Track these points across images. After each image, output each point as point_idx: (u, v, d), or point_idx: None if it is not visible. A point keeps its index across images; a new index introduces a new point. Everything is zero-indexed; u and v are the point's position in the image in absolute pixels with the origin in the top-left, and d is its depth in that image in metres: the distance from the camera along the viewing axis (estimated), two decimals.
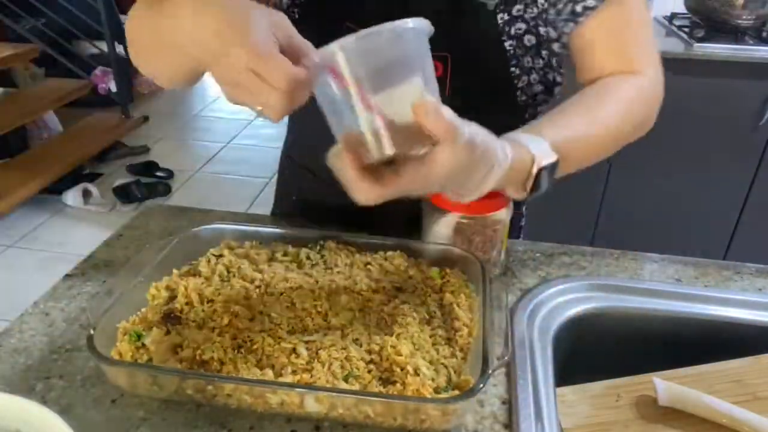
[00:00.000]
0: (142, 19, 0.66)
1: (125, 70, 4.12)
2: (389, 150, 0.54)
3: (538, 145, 0.63)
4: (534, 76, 0.84)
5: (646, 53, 0.79)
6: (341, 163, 0.56)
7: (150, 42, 0.66)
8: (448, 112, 0.53)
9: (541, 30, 0.80)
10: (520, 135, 0.65)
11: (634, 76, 0.77)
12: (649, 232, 2.31)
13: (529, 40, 0.81)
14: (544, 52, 0.82)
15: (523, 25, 0.80)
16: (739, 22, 2.07)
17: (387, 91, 0.52)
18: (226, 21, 0.51)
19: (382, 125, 0.53)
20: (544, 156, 0.63)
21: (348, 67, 0.51)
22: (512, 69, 0.81)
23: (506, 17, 0.78)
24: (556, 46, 0.82)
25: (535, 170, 0.63)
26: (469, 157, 0.55)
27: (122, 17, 4.30)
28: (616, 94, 0.75)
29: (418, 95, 0.53)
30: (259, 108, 0.52)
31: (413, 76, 0.53)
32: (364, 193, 0.55)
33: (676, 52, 1.99)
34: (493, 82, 0.82)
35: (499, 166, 0.58)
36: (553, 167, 0.64)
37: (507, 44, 0.80)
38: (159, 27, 0.60)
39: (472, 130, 0.55)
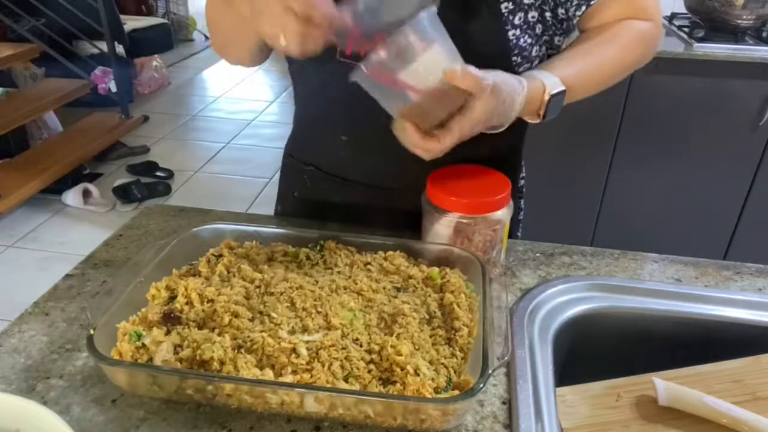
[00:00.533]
0: (218, 15, 0.83)
1: (125, 70, 4.12)
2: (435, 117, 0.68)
3: (549, 78, 0.76)
4: (536, 63, 0.84)
5: (651, 4, 0.87)
6: (404, 133, 0.69)
7: (227, 29, 0.83)
8: (473, 69, 0.65)
9: (547, 15, 0.82)
10: (534, 71, 0.78)
11: (638, 21, 0.85)
12: (649, 232, 2.31)
13: (539, 28, 0.82)
14: (545, 37, 0.84)
15: (535, 14, 0.81)
16: (739, 22, 2.07)
17: (416, 64, 0.65)
18: None
19: (420, 98, 0.66)
20: (554, 86, 0.76)
21: (391, 65, 0.64)
22: (514, 58, 0.82)
23: (511, 6, 0.79)
24: (565, 25, 0.85)
25: (546, 98, 0.75)
26: (498, 98, 0.68)
27: (122, 17, 4.31)
28: (617, 38, 0.84)
29: (443, 63, 0.65)
30: (283, 43, 0.62)
31: (433, 47, 0.65)
32: (429, 151, 0.70)
33: (676, 52, 1.99)
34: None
35: (519, 95, 0.72)
36: (561, 96, 0.77)
37: (510, 34, 0.80)
38: (231, 11, 0.75)
39: (496, 77, 0.68)
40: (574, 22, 0.85)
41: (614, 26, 0.84)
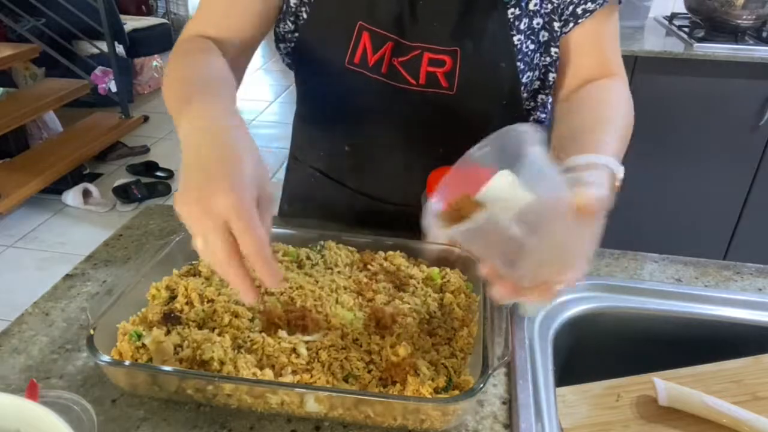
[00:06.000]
0: (172, 85, 0.70)
1: (125, 70, 4.12)
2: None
3: (611, 161, 0.67)
4: (536, 73, 0.84)
5: (619, 59, 0.85)
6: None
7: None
8: (593, 191, 0.56)
9: (555, 26, 0.81)
10: (593, 158, 0.67)
11: (617, 81, 0.83)
12: (649, 232, 2.31)
13: (543, 35, 0.82)
14: (553, 50, 0.83)
15: (540, 20, 0.81)
16: (739, 22, 2.07)
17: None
18: (220, 161, 0.52)
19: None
20: (619, 169, 0.67)
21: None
22: (518, 64, 0.81)
23: (517, 12, 0.79)
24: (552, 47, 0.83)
25: (618, 183, 0.66)
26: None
27: (122, 17, 4.30)
28: (619, 102, 0.80)
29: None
30: (200, 247, 0.51)
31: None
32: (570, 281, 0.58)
33: (676, 52, 1.99)
34: (500, 76, 0.82)
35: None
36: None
37: (515, 39, 0.80)
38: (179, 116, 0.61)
39: (600, 190, 0.58)
40: (559, 42, 0.82)
41: (606, 91, 0.80)
